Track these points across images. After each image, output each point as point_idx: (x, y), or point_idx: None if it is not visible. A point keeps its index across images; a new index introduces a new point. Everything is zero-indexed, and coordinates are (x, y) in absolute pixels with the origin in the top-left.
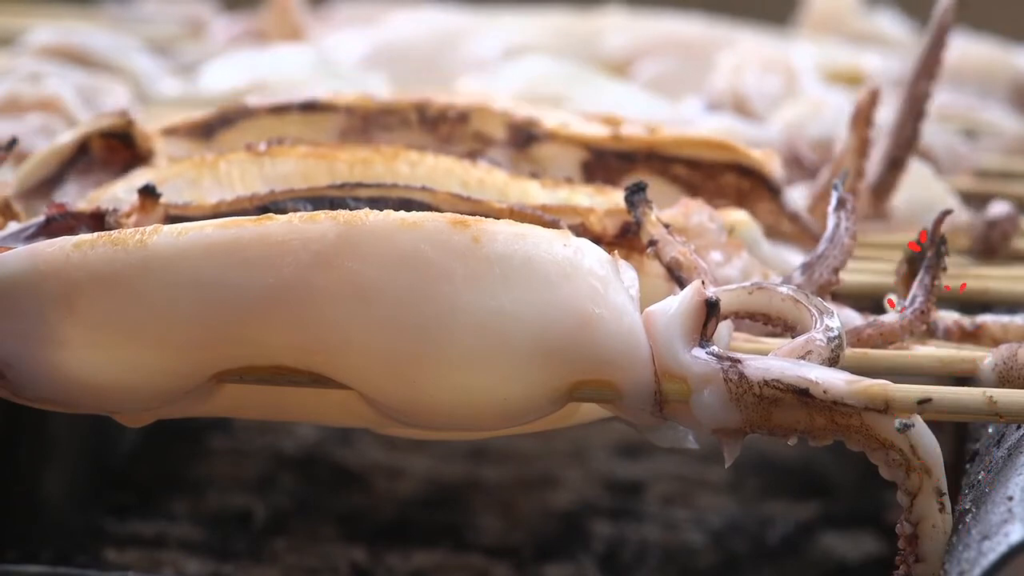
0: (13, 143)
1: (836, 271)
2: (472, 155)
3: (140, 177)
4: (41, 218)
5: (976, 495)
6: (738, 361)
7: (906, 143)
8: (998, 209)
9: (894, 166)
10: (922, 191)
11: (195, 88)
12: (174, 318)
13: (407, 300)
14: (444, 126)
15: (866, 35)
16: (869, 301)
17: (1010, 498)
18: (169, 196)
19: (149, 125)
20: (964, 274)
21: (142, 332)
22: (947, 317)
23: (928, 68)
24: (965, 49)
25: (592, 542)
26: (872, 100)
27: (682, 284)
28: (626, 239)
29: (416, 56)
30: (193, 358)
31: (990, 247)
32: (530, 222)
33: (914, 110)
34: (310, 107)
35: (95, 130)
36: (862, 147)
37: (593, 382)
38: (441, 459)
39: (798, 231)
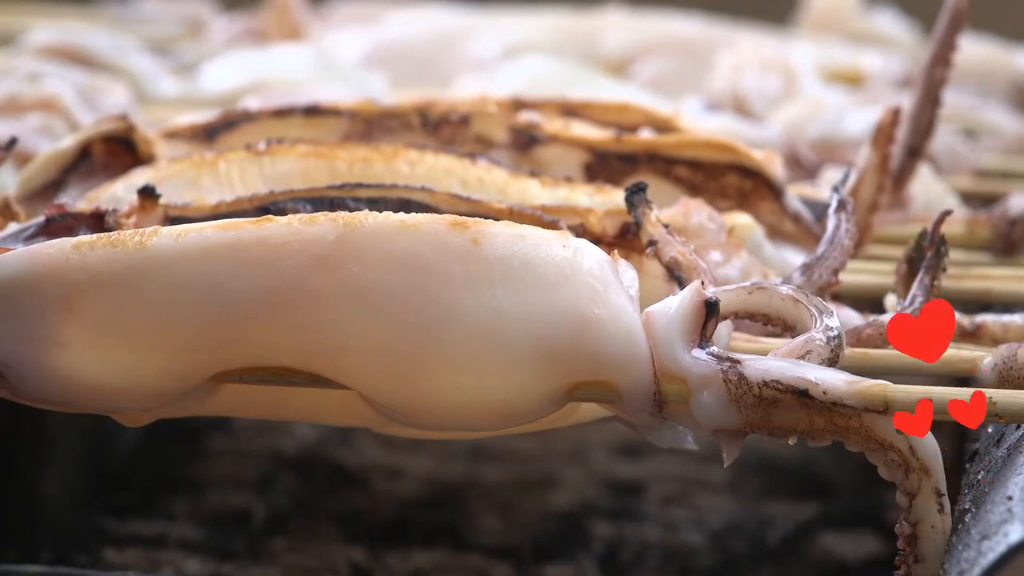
0: (13, 143)
1: (836, 272)
2: (473, 155)
3: (140, 176)
4: (41, 218)
5: (976, 495)
6: (738, 362)
7: (923, 130)
8: (1018, 207)
9: (912, 154)
10: (922, 191)
11: (195, 88)
12: (174, 319)
13: (407, 301)
14: (446, 129)
15: (866, 35)
16: (869, 301)
17: (1010, 498)
18: (169, 195)
19: (149, 125)
20: (967, 274)
21: (142, 333)
22: None
23: (943, 54)
24: (965, 49)
25: (592, 542)
26: (894, 118)
27: (682, 284)
28: (626, 239)
29: (416, 56)
30: (193, 359)
31: (1011, 244)
32: (529, 223)
33: (930, 97)
34: (313, 111)
35: (97, 134)
36: (884, 163)
37: (592, 383)
38: (441, 459)
39: (800, 232)
